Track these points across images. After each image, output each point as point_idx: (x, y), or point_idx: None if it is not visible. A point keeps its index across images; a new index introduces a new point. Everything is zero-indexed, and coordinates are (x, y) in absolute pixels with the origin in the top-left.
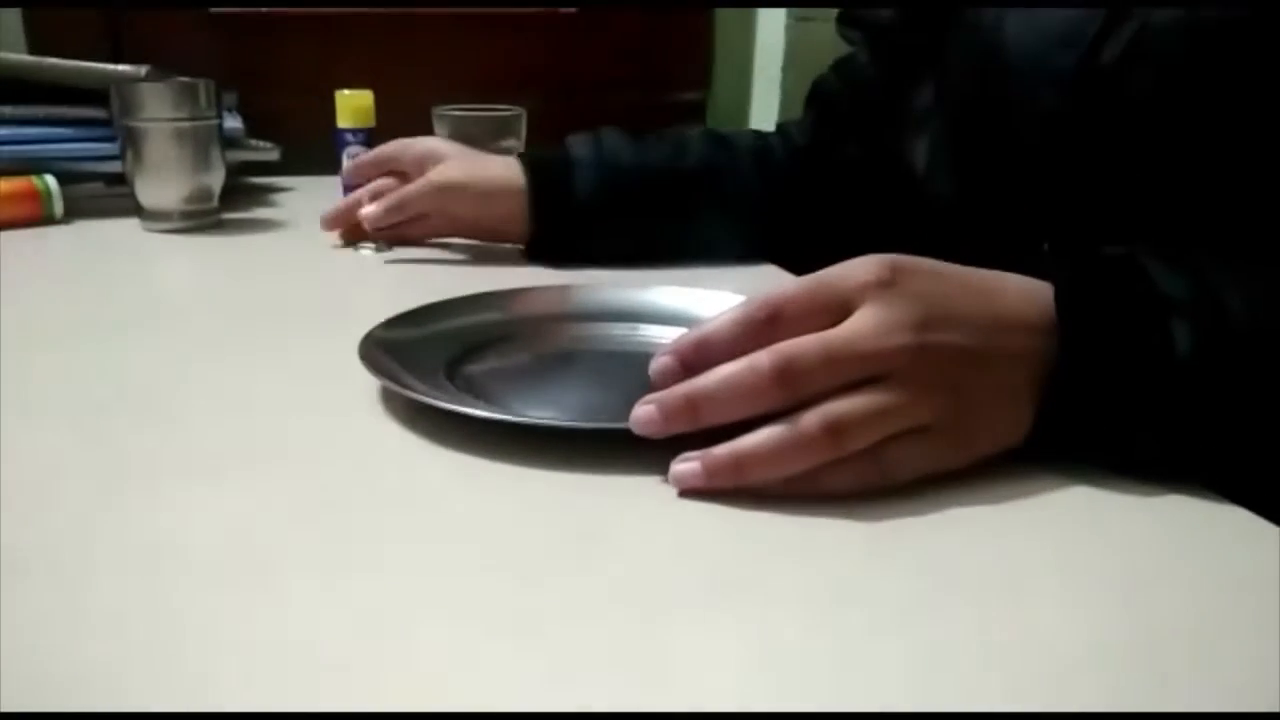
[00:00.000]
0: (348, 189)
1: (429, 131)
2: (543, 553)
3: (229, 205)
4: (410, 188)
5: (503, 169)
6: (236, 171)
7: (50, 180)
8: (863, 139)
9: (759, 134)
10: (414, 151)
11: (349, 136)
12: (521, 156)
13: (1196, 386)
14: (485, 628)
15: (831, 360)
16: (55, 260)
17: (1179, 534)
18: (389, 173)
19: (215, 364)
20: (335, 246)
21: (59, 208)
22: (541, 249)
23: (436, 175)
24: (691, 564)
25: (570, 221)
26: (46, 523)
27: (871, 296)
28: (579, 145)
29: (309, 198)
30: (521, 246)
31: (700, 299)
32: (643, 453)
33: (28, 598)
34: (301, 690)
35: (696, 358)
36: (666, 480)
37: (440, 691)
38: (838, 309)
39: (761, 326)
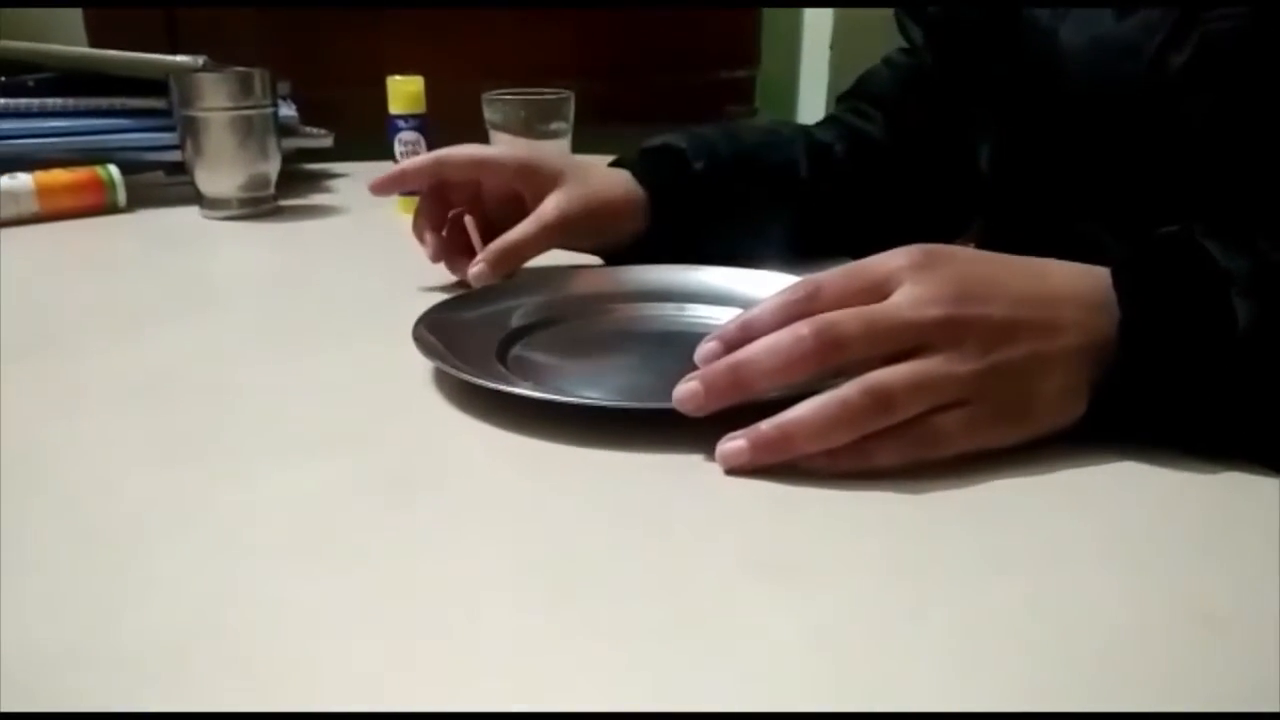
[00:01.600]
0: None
1: (479, 116)
2: (591, 531)
3: (285, 192)
4: (526, 237)
5: (619, 189)
6: (292, 159)
7: (113, 170)
8: (927, 138)
9: (841, 127)
10: (497, 178)
11: (400, 123)
12: (635, 168)
13: (1259, 362)
14: (536, 603)
15: (871, 328)
16: (120, 248)
17: (1231, 510)
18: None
19: (273, 347)
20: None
21: (122, 197)
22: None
23: (555, 216)
24: (739, 542)
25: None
26: (112, 502)
27: (909, 277)
28: (694, 150)
29: (363, 184)
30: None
31: (748, 278)
32: (691, 432)
33: (95, 574)
34: (362, 662)
35: (741, 340)
36: (714, 459)
37: (492, 666)
38: (876, 290)
39: (803, 305)
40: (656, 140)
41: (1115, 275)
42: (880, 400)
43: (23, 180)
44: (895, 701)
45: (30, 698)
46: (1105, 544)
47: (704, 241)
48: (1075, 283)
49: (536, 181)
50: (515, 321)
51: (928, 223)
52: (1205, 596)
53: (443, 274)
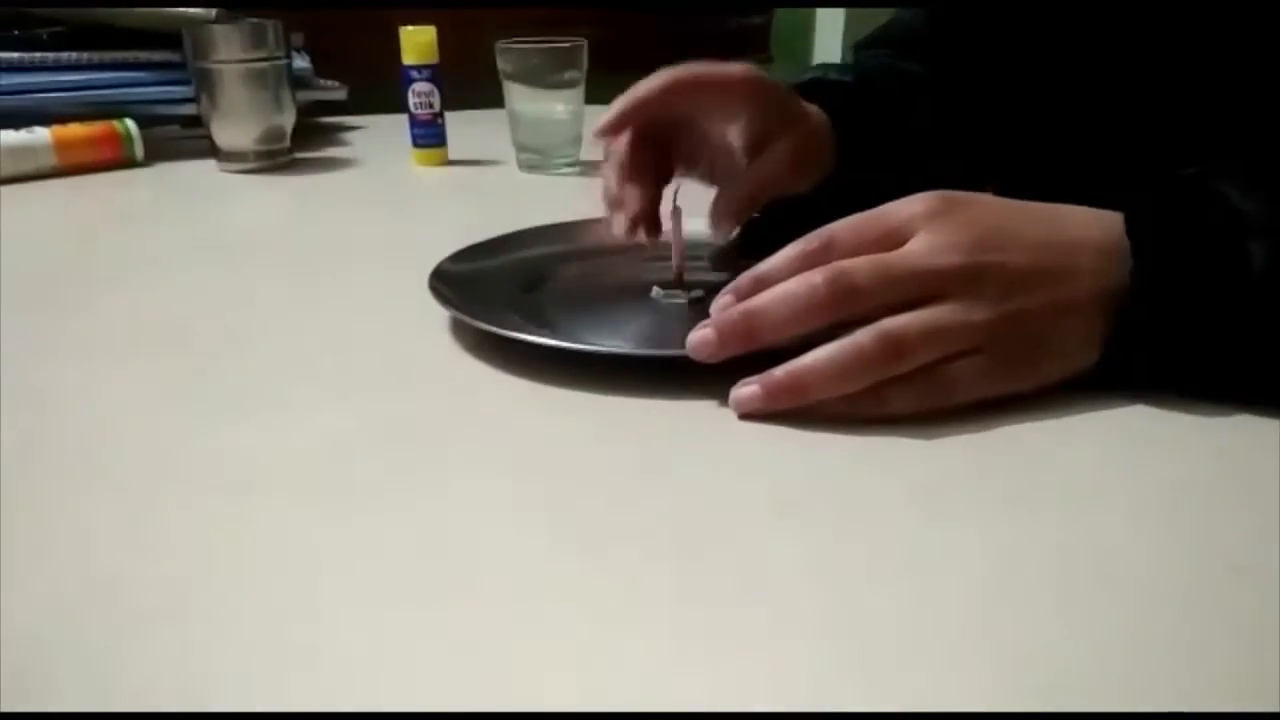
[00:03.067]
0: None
1: (492, 66)
2: (608, 476)
3: (301, 145)
4: (763, 179)
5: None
6: (306, 112)
7: (130, 124)
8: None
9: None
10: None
11: (414, 73)
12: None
13: (1274, 305)
14: (551, 549)
15: (885, 274)
16: (138, 201)
17: (1252, 456)
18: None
19: (291, 298)
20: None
21: (139, 150)
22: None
23: (771, 174)
24: (754, 486)
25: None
26: (128, 449)
27: (924, 225)
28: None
29: (378, 136)
30: None
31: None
32: (705, 380)
33: (110, 521)
34: (369, 609)
35: (753, 291)
36: (728, 406)
37: (506, 613)
38: (892, 237)
39: (817, 255)
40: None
41: (1128, 220)
42: (894, 346)
43: (40, 134)
44: (911, 646)
45: (38, 642)
46: (1129, 491)
47: (880, 165)
48: (1091, 229)
49: (766, 113)
50: (531, 271)
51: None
52: (1231, 545)
53: (459, 224)
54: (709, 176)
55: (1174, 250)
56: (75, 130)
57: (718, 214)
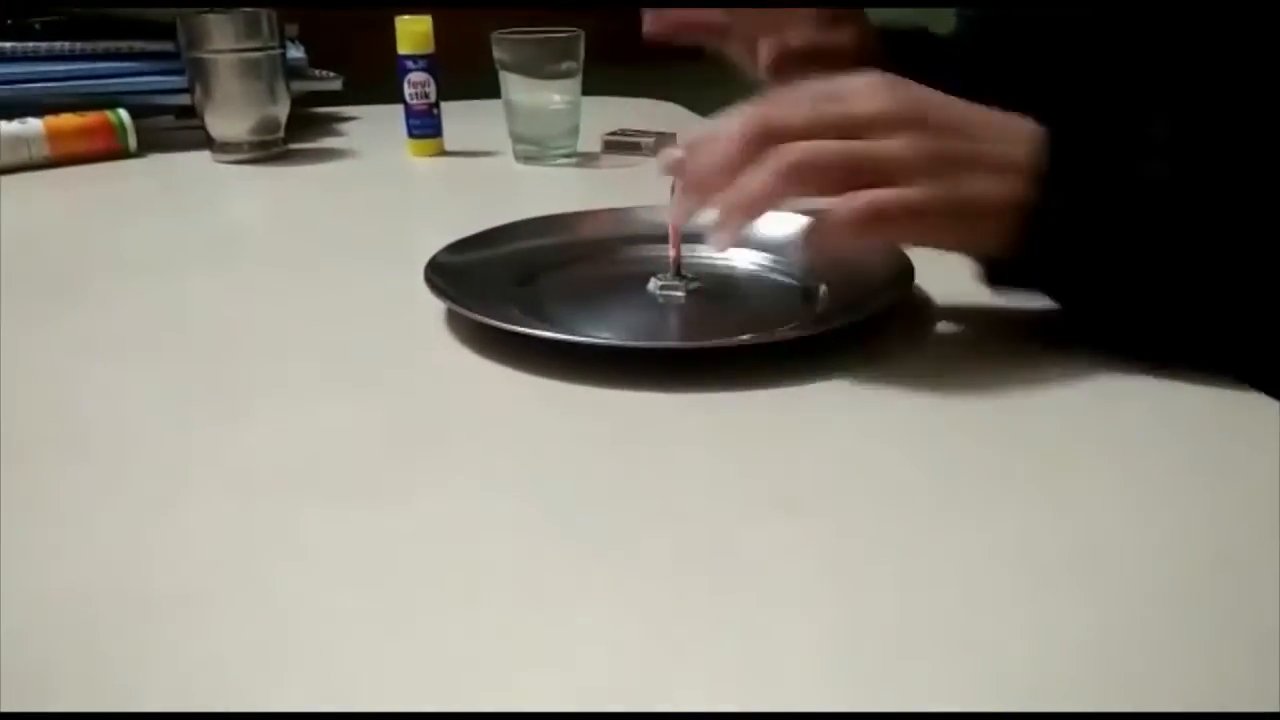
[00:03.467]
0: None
1: (488, 55)
2: (606, 469)
3: (295, 136)
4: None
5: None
6: (301, 102)
7: (123, 114)
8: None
9: None
10: None
11: (409, 63)
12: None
13: (1170, 220)
14: (550, 543)
15: (815, 115)
16: (132, 192)
17: (1245, 434)
18: None
19: (286, 290)
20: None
21: (133, 141)
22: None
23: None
24: (755, 480)
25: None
26: (128, 442)
27: (865, 86)
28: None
29: (373, 126)
30: None
31: (766, 218)
32: (702, 371)
33: (111, 516)
34: (375, 599)
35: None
36: (724, 395)
37: (507, 607)
38: (832, 99)
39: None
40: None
41: (1049, 134)
42: (802, 165)
43: (33, 125)
44: (907, 633)
45: (45, 637)
46: (1120, 482)
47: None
48: (1011, 118)
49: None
50: (527, 263)
51: None
52: (1219, 528)
53: (455, 215)
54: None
55: (1077, 163)
56: (68, 120)
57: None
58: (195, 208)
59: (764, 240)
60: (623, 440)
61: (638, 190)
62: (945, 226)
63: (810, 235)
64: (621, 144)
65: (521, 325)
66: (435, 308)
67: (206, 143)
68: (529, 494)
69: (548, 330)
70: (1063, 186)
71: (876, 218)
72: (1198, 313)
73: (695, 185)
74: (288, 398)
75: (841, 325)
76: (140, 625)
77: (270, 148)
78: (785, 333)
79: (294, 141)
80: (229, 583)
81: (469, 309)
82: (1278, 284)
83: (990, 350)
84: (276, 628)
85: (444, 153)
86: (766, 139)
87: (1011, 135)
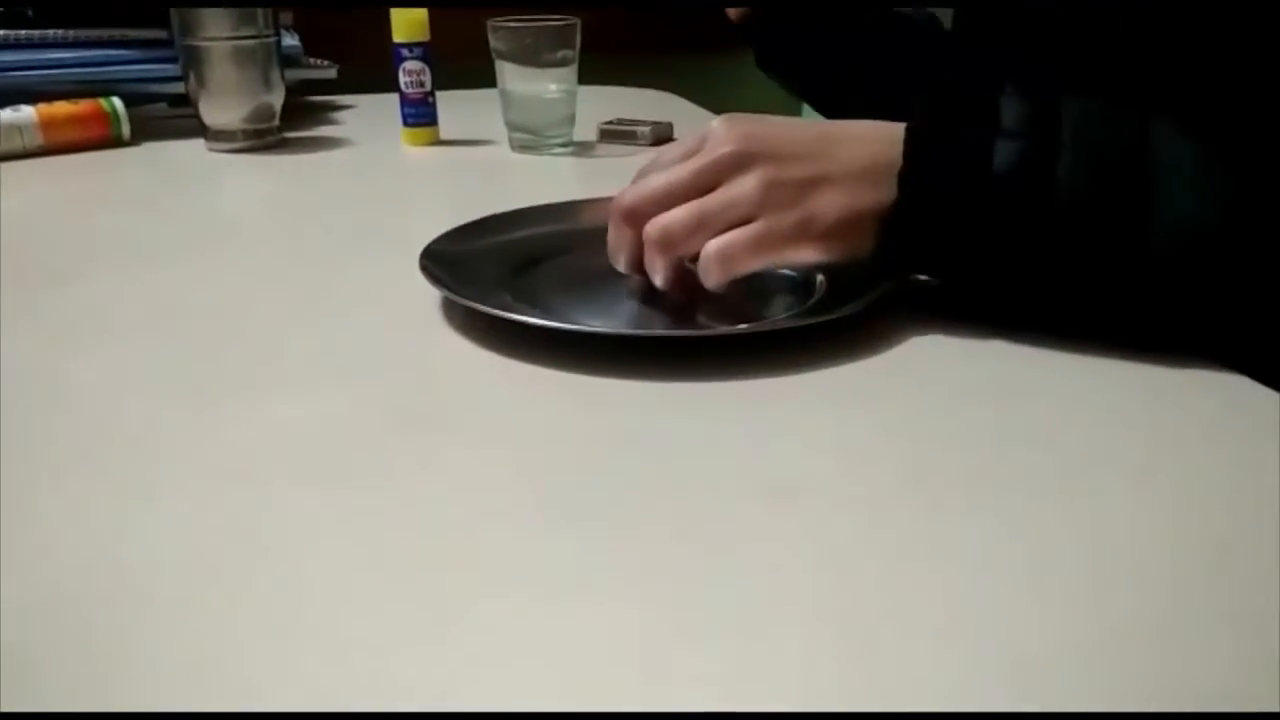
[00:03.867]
0: None
1: (484, 44)
2: (596, 456)
3: (290, 124)
4: None
5: None
6: (296, 91)
7: (117, 102)
8: None
9: None
10: None
11: (405, 51)
12: None
13: (1022, 200)
14: (545, 530)
15: (657, 190)
16: (126, 181)
17: (1238, 423)
18: None
19: (281, 279)
20: None
21: (126, 129)
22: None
23: None
24: (753, 466)
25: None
26: (121, 431)
27: (708, 141)
28: None
29: (368, 115)
30: None
31: None
32: (695, 360)
33: (109, 504)
34: (366, 589)
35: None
36: (717, 385)
37: (503, 593)
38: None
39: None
40: None
41: (910, 120)
42: (662, 233)
43: (26, 113)
44: (900, 621)
45: (37, 622)
46: (1113, 467)
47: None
48: (865, 127)
49: None
50: (523, 252)
51: None
52: (1213, 516)
53: (450, 204)
54: None
55: (930, 147)
56: (61, 109)
57: None
58: (189, 197)
59: None
60: (619, 428)
61: (631, 177)
62: (797, 246)
63: (701, 275)
64: (618, 133)
65: (516, 313)
66: (431, 296)
67: (201, 131)
68: (524, 482)
69: (542, 318)
70: (914, 184)
71: (726, 259)
72: (1068, 282)
73: (611, 260)
74: (282, 385)
75: (838, 314)
76: (132, 612)
77: (265, 136)
78: (782, 322)
79: (289, 130)
80: (223, 569)
81: (464, 297)
82: (1132, 247)
83: (988, 339)
84: (275, 613)
85: (439, 142)
86: (633, 219)
87: (851, 147)
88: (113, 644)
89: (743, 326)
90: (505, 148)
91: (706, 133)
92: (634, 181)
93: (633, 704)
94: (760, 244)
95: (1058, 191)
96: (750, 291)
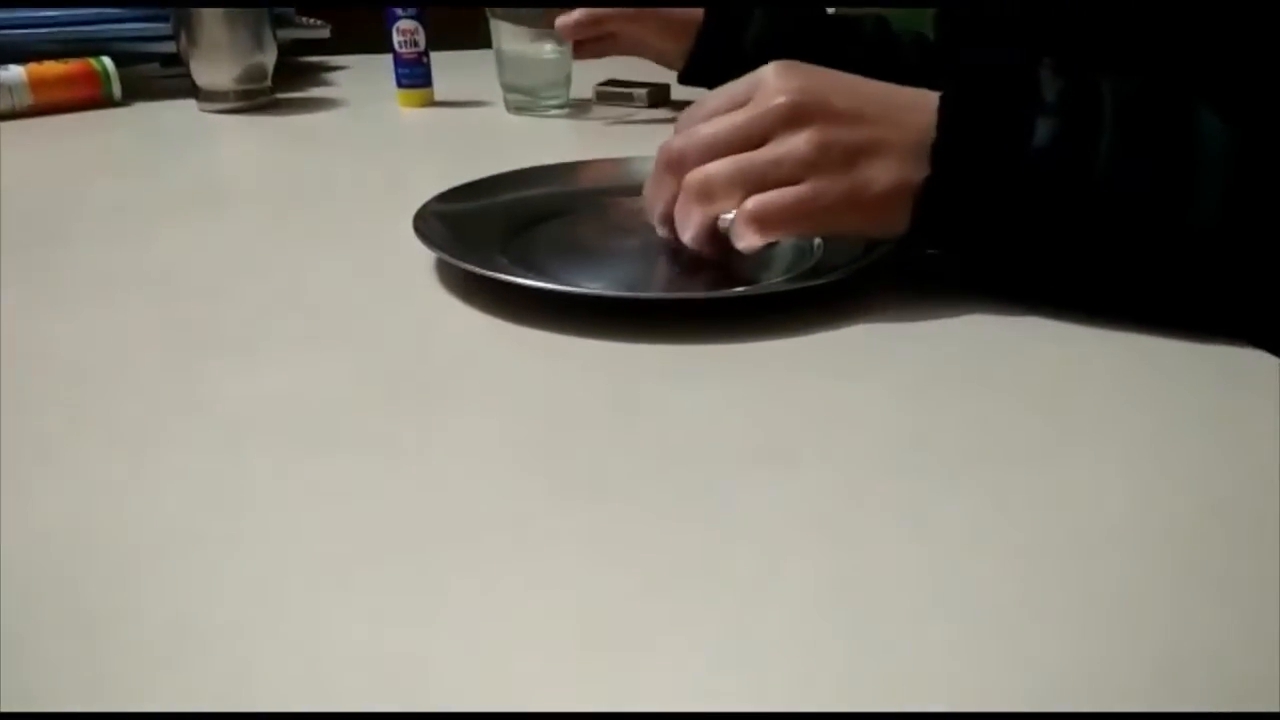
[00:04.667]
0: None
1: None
2: (592, 420)
3: (283, 85)
4: (606, 11)
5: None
6: (288, 51)
7: (107, 62)
8: None
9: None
10: None
11: (398, 11)
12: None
13: (1058, 180)
14: (539, 493)
15: (707, 138)
16: (118, 142)
17: (1234, 392)
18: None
19: (274, 241)
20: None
21: (117, 89)
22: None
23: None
24: (745, 428)
25: (730, 57)
26: (115, 393)
27: (761, 86)
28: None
29: (361, 76)
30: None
31: None
32: (692, 323)
33: (103, 465)
34: (363, 548)
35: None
36: (716, 349)
37: (498, 559)
38: (736, 102)
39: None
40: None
41: (944, 92)
42: (700, 186)
43: (15, 72)
44: (897, 588)
45: (32, 583)
46: (1106, 431)
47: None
48: (920, 94)
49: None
50: (518, 213)
51: None
52: (1210, 484)
53: (445, 166)
54: None
55: (968, 122)
56: (51, 69)
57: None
58: (182, 158)
59: None
60: (615, 392)
61: (630, 141)
62: (840, 216)
63: (733, 236)
64: (613, 94)
65: (511, 275)
66: (425, 258)
67: (192, 92)
68: (520, 445)
69: (537, 280)
70: (951, 162)
71: (764, 221)
72: (1097, 264)
73: (648, 212)
74: (275, 346)
75: (838, 277)
76: (125, 569)
77: (257, 97)
78: (778, 286)
79: (281, 91)
80: (215, 530)
81: (459, 258)
82: (1172, 233)
83: (988, 302)
84: (263, 577)
85: (434, 103)
86: (676, 168)
87: (911, 114)
88: (103, 603)
89: (739, 290)
90: (501, 109)
91: (758, 80)
92: (678, 124)
93: (626, 667)
94: (802, 209)
95: (1098, 173)
96: (749, 254)
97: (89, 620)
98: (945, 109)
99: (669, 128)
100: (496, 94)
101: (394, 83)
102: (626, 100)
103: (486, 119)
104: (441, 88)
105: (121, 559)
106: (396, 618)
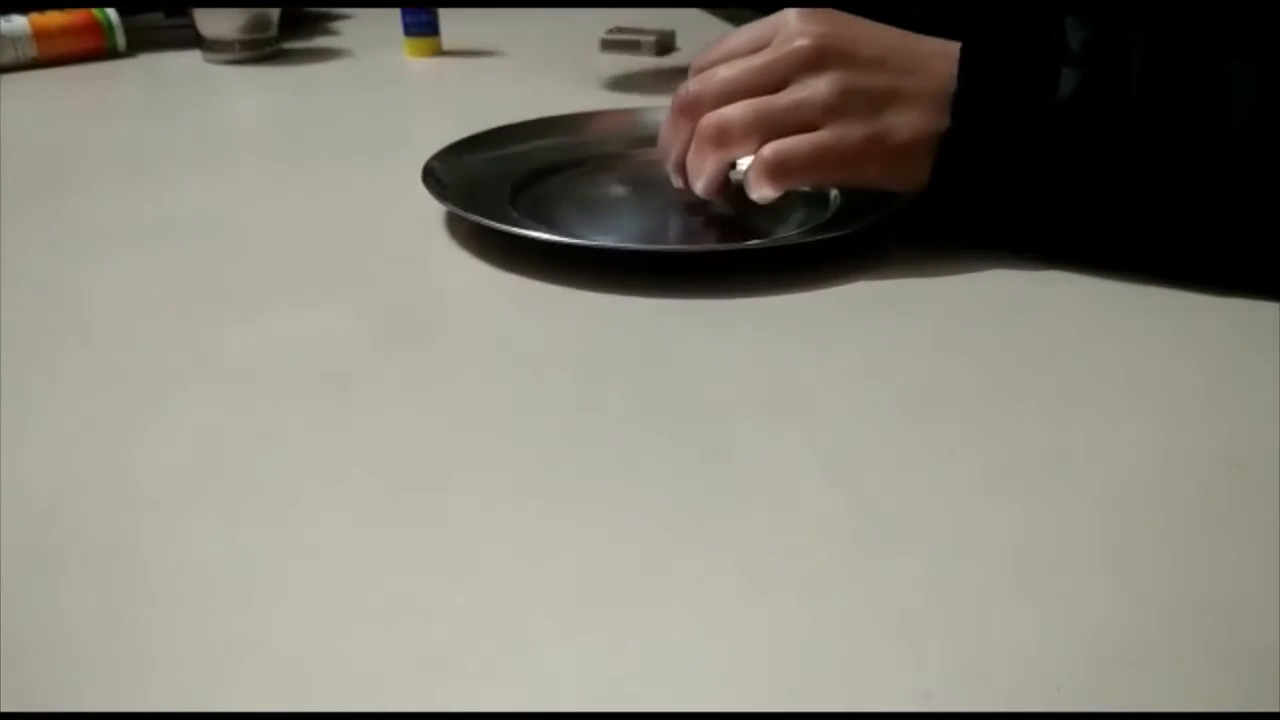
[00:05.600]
0: None
1: None
2: (609, 373)
3: (288, 35)
4: None
5: None
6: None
7: (111, 13)
8: None
9: None
10: None
11: None
12: None
13: (1084, 131)
14: (548, 446)
15: (725, 81)
16: (123, 93)
17: (1249, 347)
18: None
19: (281, 192)
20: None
21: (121, 39)
22: None
23: None
24: (754, 382)
25: None
26: (121, 342)
27: (785, 27)
28: None
29: (367, 26)
30: None
31: None
32: (708, 275)
33: (111, 413)
34: (370, 497)
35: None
36: (722, 302)
37: (503, 508)
38: (762, 42)
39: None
40: None
41: (964, 40)
42: (716, 129)
43: (18, 23)
44: (911, 537)
45: (38, 529)
46: (1126, 384)
47: None
48: (948, 44)
49: None
50: (527, 165)
51: None
52: (1228, 437)
53: (455, 118)
54: None
55: (990, 73)
56: (54, 19)
57: None
58: (187, 109)
59: None
60: (622, 344)
61: (637, 91)
62: (859, 166)
63: (747, 186)
64: (620, 43)
65: (519, 228)
66: (433, 210)
67: (197, 42)
68: (527, 397)
69: (546, 233)
70: (971, 115)
71: (781, 168)
72: (1119, 221)
73: (662, 156)
74: (283, 298)
75: (849, 231)
76: (133, 519)
77: (262, 47)
78: (793, 237)
79: (286, 41)
80: (223, 478)
81: (468, 211)
82: (1193, 182)
83: (1005, 255)
84: (270, 524)
85: (441, 53)
86: (691, 112)
87: (938, 62)
88: (113, 550)
89: (752, 243)
90: (508, 60)
91: (780, 22)
92: (694, 65)
93: (631, 616)
94: (821, 156)
95: (1124, 129)
96: (761, 207)
97: (98, 562)
98: (966, 59)
99: (678, 78)
100: (504, 44)
101: (400, 32)
102: (633, 49)
103: (495, 70)
104: (449, 37)
105: (128, 507)
106: (399, 561)
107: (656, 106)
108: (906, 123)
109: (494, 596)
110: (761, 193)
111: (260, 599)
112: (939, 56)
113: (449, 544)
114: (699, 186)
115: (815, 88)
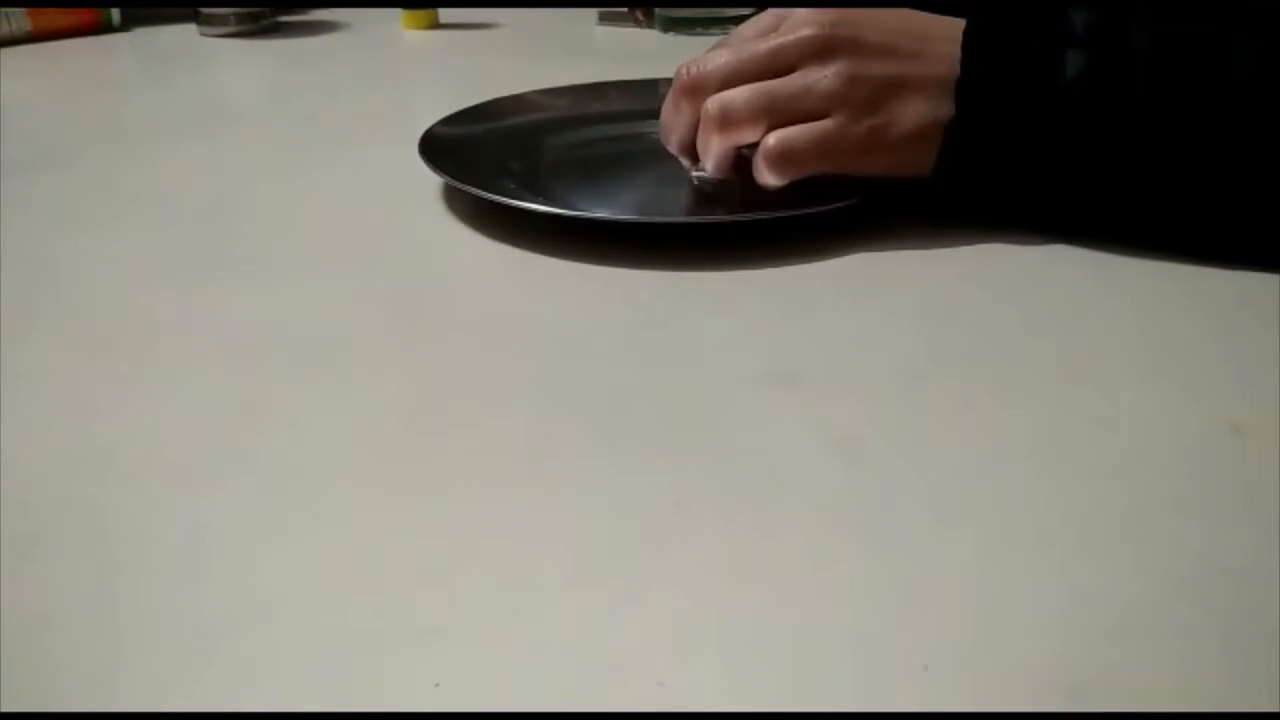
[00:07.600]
0: None
1: None
2: (609, 345)
3: (283, 8)
4: None
5: None
6: None
7: None
8: None
9: None
10: None
11: None
12: None
13: (1088, 114)
14: (553, 415)
15: (730, 65)
16: (118, 67)
17: (1250, 314)
18: None
19: (278, 163)
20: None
21: (116, 15)
22: None
23: None
24: (754, 352)
25: None
26: (118, 315)
27: (790, 19)
28: None
29: None
30: None
31: None
32: (701, 248)
33: (101, 383)
34: (367, 470)
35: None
36: (723, 274)
37: (506, 483)
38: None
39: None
40: None
41: (968, 22)
42: (720, 113)
43: None
44: (912, 506)
45: (33, 504)
46: (1130, 353)
47: None
48: (953, 27)
49: None
50: (527, 136)
51: None
52: (1231, 404)
53: (452, 90)
54: None
55: (993, 55)
56: None
57: None
58: (183, 83)
59: None
60: (620, 316)
61: (635, 62)
62: (864, 156)
63: (756, 173)
64: (619, 15)
65: (517, 199)
66: (430, 182)
67: (193, 16)
68: (524, 369)
69: (544, 205)
70: (975, 101)
71: (786, 158)
72: (1127, 206)
73: (663, 137)
74: (279, 270)
75: (851, 202)
76: (132, 493)
77: (259, 20)
78: (791, 210)
79: (282, 14)
80: (219, 452)
81: (465, 183)
82: (1201, 163)
83: (1001, 230)
84: (271, 496)
85: (438, 25)
86: (694, 94)
87: (944, 46)
88: (109, 525)
89: (753, 215)
90: (506, 32)
91: (786, 11)
92: (695, 61)
93: (630, 586)
94: (826, 145)
95: (1131, 112)
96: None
97: (93, 536)
98: (969, 44)
99: (678, 51)
100: (501, 16)
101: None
102: (631, 21)
103: (492, 41)
104: (445, 11)
105: (126, 481)
106: (398, 534)
107: (657, 79)
108: (911, 111)
109: (494, 568)
110: (769, 180)
111: (259, 574)
112: (947, 39)
113: (448, 519)
114: (709, 167)
115: (821, 75)
